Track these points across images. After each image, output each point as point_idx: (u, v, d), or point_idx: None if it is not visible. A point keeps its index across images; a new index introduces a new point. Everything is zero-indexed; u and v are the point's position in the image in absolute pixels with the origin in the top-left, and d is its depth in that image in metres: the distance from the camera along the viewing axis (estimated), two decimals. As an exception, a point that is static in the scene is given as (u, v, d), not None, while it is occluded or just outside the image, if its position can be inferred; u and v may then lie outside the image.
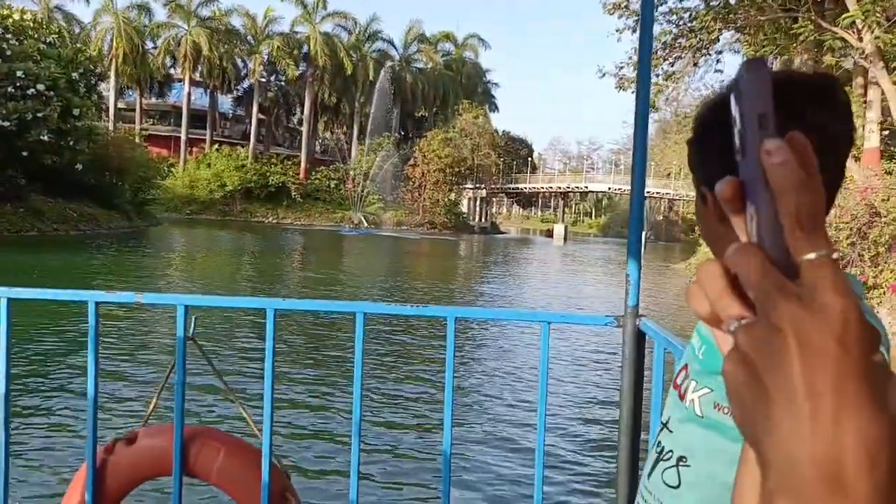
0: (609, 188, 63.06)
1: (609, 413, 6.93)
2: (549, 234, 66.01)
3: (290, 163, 60.49)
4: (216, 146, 58.48)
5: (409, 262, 28.54)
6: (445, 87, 66.77)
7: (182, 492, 2.12)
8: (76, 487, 2.32)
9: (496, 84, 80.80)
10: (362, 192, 58.89)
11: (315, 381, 7.87)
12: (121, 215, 35.25)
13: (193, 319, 2.14)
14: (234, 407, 2.55)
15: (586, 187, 64.63)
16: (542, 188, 67.31)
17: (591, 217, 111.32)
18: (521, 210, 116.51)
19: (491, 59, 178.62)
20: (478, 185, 62.86)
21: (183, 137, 56.78)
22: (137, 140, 54.88)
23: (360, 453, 2.07)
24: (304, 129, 60.95)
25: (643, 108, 2.12)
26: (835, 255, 0.30)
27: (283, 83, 64.76)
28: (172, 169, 55.72)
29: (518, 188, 68.10)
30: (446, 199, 61.23)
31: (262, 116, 66.20)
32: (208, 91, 60.80)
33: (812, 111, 0.77)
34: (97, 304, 2.03)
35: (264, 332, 2.04)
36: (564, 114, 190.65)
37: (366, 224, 56.59)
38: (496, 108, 78.13)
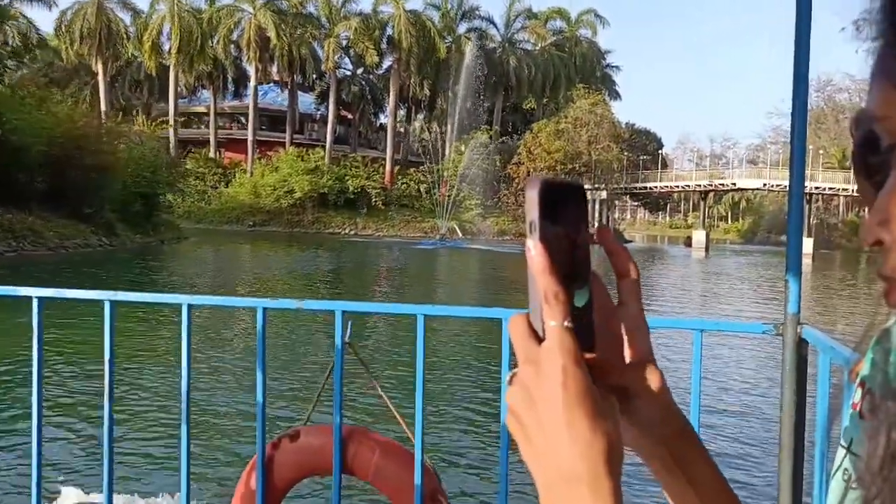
0: (764, 184, 60.71)
1: (766, 428, 7.79)
2: (688, 242, 64.34)
3: (376, 166, 62.21)
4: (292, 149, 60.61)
5: (494, 289, 25.52)
6: (556, 70, 66.63)
7: (341, 488, 2.57)
8: (246, 478, 2.90)
9: (617, 67, 79.60)
10: (456, 196, 59.27)
11: (465, 385, 9.61)
12: (94, 230, 31.06)
13: (349, 325, 2.58)
14: (388, 409, 3.14)
15: (733, 184, 62.80)
16: (677, 187, 65.96)
17: (726, 221, 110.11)
18: (646, 215, 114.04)
19: (610, 40, 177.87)
20: (596, 186, 62.19)
21: (249, 138, 59.62)
22: (209, 139, 57.61)
23: (508, 462, 2.37)
24: (389, 125, 62.74)
25: (802, 73, 2.08)
26: (566, 323, 0.50)
27: (369, 76, 66.38)
28: (235, 175, 58.42)
29: (646, 188, 66.94)
30: (557, 203, 60.49)
31: (346, 115, 68.15)
32: (287, 88, 63.59)
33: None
34: (265, 309, 2.50)
35: (414, 337, 2.46)
36: (694, 109, 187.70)
37: (459, 234, 57.00)
38: (618, 95, 77.29)
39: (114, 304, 2.51)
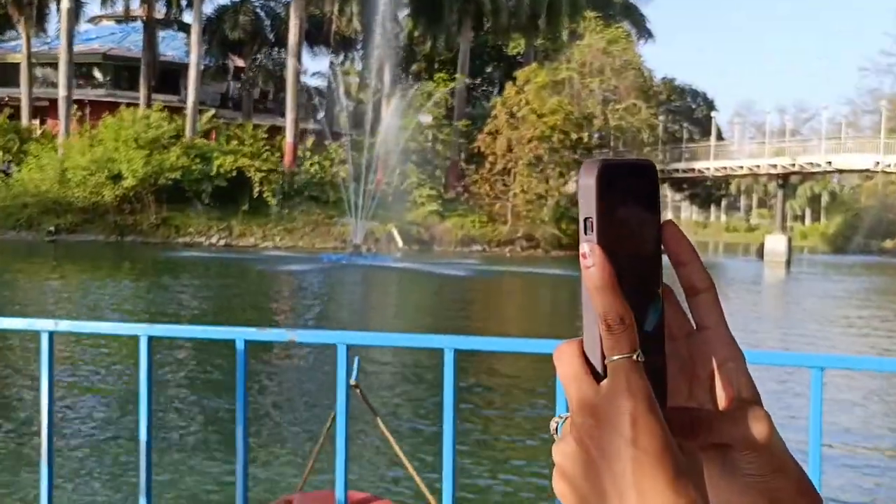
0: (877, 163, 41.89)
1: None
2: (760, 252, 45.40)
3: (279, 139, 43.83)
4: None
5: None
6: (554, -6, 47.49)
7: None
8: None
9: (648, -3, 60.10)
10: (399, 185, 41.06)
11: (504, 435, 9.05)
12: None
13: (356, 362, 2.42)
14: (406, 470, 2.98)
15: (828, 163, 43.25)
16: (741, 168, 46.33)
17: (803, 221, 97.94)
18: (694, 212, 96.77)
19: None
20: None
21: (60, 94, 40.30)
22: None
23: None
24: (289, 71, 42.93)
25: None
26: (636, 356, 0.40)
27: (268, 2, 48.03)
28: (31, 153, 39.12)
29: (693, 170, 47.56)
30: (556, 193, 41.90)
31: (238, 63, 49.67)
32: (142, 24, 45.84)
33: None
34: (246, 342, 2.29)
35: (441, 378, 2.22)
36: (756, 69, 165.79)
37: (399, 243, 38.49)
38: (649, 34, 57.63)
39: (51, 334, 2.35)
